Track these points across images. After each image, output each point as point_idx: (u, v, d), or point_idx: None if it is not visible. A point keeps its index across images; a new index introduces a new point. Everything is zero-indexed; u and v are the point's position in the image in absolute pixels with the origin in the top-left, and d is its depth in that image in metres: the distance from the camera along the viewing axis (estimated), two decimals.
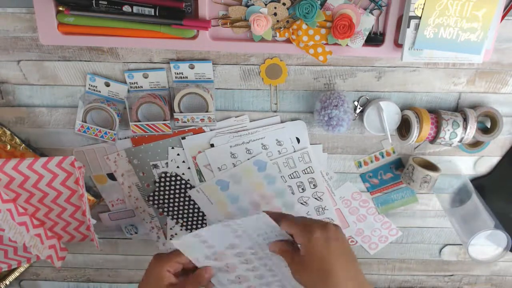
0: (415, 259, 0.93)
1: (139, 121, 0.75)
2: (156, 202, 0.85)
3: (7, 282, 0.89)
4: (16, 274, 0.90)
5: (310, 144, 0.80)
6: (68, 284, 0.96)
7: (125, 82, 0.75)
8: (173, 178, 0.83)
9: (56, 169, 0.70)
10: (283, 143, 0.80)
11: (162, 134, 0.77)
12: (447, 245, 0.91)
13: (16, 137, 0.78)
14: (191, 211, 0.86)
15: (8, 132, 0.78)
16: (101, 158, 0.81)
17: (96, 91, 0.76)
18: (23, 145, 0.78)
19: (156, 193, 0.84)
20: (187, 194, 0.84)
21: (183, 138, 0.79)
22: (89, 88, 0.76)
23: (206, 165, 0.81)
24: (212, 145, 0.79)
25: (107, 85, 0.75)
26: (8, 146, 0.78)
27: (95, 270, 0.95)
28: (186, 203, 0.85)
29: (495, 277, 0.95)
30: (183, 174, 0.82)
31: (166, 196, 0.84)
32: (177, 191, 0.84)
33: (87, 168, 0.81)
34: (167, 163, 0.81)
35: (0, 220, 0.66)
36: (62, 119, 0.78)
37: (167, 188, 0.83)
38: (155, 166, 0.81)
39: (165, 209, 0.85)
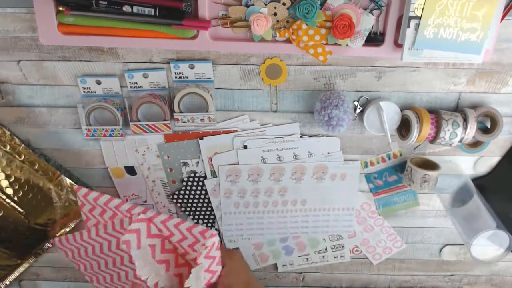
0: (415, 259, 0.93)
1: (139, 121, 0.75)
2: (180, 200, 0.85)
3: (7, 282, 0.89)
4: (16, 274, 0.90)
5: None
6: (68, 284, 0.96)
7: (114, 75, 0.75)
8: (201, 179, 0.83)
9: (199, 236, 0.65)
10: (314, 155, 0.80)
11: (197, 132, 0.79)
12: (447, 245, 0.91)
13: (15, 138, 0.78)
14: (213, 214, 0.86)
15: (7, 133, 0.78)
16: (130, 150, 0.81)
17: (91, 92, 0.76)
18: (23, 145, 0.78)
19: (182, 192, 0.84)
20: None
21: (201, 138, 0.79)
22: (84, 92, 0.76)
23: (224, 165, 0.81)
24: (245, 147, 0.79)
25: (99, 83, 0.75)
26: (8, 147, 0.78)
27: None
28: (211, 204, 0.85)
29: (495, 277, 0.95)
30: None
31: (192, 196, 0.85)
32: (204, 191, 0.84)
33: (112, 159, 0.81)
34: (197, 162, 0.81)
35: (137, 256, 0.62)
36: (62, 119, 0.78)
37: (193, 188, 0.84)
38: (185, 164, 0.81)
39: (188, 209, 0.86)
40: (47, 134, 0.80)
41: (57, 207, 0.83)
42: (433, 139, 0.74)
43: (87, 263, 0.77)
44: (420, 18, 0.64)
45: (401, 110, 0.75)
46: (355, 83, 0.76)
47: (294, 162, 0.81)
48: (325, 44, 0.70)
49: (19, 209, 0.82)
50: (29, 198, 0.82)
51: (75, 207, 0.84)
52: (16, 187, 0.80)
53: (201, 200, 0.85)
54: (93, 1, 0.66)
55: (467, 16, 0.64)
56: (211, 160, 0.81)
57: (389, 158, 0.82)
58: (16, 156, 0.79)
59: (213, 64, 0.74)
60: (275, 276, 0.95)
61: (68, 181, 0.81)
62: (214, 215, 0.86)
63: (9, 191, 0.81)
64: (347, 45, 0.69)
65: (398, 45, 0.69)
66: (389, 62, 0.74)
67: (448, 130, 0.72)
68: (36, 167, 0.80)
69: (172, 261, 0.66)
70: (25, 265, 0.89)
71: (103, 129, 0.75)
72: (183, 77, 0.75)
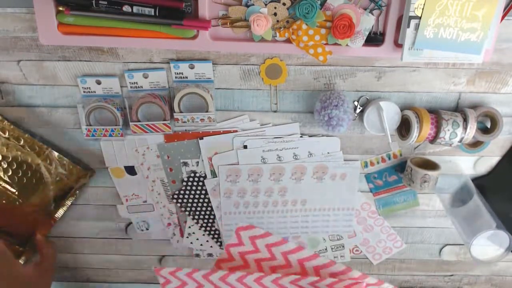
0: (415, 259, 0.93)
1: (139, 121, 0.75)
2: (180, 200, 0.85)
3: None
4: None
5: None
6: (68, 284, 0.96)
7: (114, 75, 0.75)
8: (201, 179, 0.83)
9: None
10: (314, 155, 0.80)
11: (197, 132, 0.78)
12: (447, 245, 0.91)
13: (5, 120, 0.77)
14: (213, 214, 0.86)
15: None
16: (130, 150, 0.80)
17: (91, 91, 0.76)
18: (6, 121, 0.76)
19: (182, 192, 0.84)
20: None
21: (201, 138, 0.79)
22: (84, 92, 0.76)
23: (224, 165, 0.81)
24: (245, 147, 0.79)
25: (99, 83, 0.75)
26: None
27: (95, 270, 0.95)
28: (211, 204, 0.85)
29: (495, 277, 0.95)
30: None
31: (192, 196, 0.85)
32: (204, 191, 0.84)
33: (112, 159, 0.81)
34: (197, 162, 0.81)
35: None
36: (62, 119, 0.78)
37: (193, 188, 0.84)
38: (185, 163, 0.81)
39: (188, 209, 0.86)
40: (47, 134, 0.80)
41: (48, 183, 0.82)
42: (433, 139, 0.74)
43: None
44: (420, 18, 0.64)
45: (401, 110, 0.75)
46: (355, 83, 0.76)
47: (294, 162, 0.81)
48: (325, 44, 0.70)
49: (11, 189, 0.82)
50: (19, 177, 0.81)
51: (67, 181, 0.82)
52: (5, 166, 0.79)
53: (201, 200, 0.85)
54: (93, 1, 0.66)
55: (467, 16, 0.64)
56: (211, 160, 0.81)
57: (389, 158, 0.82)
58: (1, 133, 0.77)
59: (213, 64, 0.74)
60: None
61: (56, 154, 0.79)
62: (214, 215, 0.86)
63: None
64: (347, 45, 0.69)
65: (398, 45, 0.69)
66: (389, 62, 0.74)
67: (448, 130, 0.72)
68: (22, 142, 0.78)
69: None
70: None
71: (103, 129, 0.76)
72: (183, 77, 0.75)
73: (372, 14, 0.68)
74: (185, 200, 0.85)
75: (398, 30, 0.69)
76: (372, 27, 0.69)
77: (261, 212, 0.86)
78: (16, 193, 0.82)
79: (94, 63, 0.74)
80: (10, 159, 0.79)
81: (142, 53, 0.73)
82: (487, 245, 0.78)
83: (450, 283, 0.96)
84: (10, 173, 0.80)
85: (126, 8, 0.67)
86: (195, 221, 0.87)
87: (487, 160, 0.82)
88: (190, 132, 0.79)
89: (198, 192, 0.84)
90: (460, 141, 0.73)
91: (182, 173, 0.83)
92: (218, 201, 0.85)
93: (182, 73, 0.74)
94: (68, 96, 0.77)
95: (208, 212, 0.86)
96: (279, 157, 0.80)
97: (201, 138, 0.79)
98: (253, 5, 0.68)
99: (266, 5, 0.68)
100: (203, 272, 0.64)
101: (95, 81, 0.75)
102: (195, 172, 0.82)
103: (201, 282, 0.65)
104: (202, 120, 0.75)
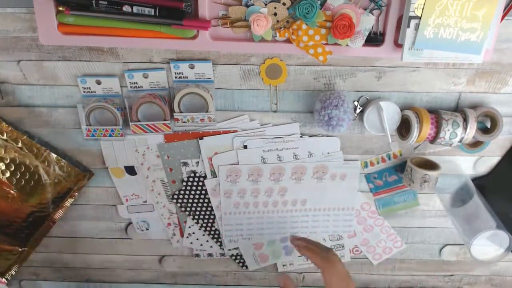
0: (415, 259, 0.93)
1: (139, 121, 0.75)
2: (180, 200, 0.85)
3: (13, 272, 0.87)
4: (13, 272, 0.88)
5: None
6: (68, 284, 0.96)
7: (114, 75, 0.75)
8: (201, 179, 0.83)
9: None
10: (314, 155, 0.80)
11: (197, 132, 0.78)
12: (447, 245, 0.91)
13: (3, 121, 0.76)
14: (213, 214, 0.86)
15: None
16: (130, 150, 0.81)
17: (91, 91, 0.76)
18: (4, 123, 0.76)
19: (182, 192, 0.84)
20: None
21: (201, 138, 0.79)
22: (84, 92, 0.76)
23: (224, 165, 0.81)
24: (245, 147, 0.79)
25: (99, 83, 0.75)
26: None
27: (95, 270, 0.95)
28: (210, 204, 0.85)
29: (495, 277, 0.95)
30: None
31: (192, 196, 0.85)
32: (204, 191, 0.84)
33: (112, 159, 0.81)
34: (197, 162, 0.81)
35: None
36: (62, 119, 0.78)
37: (193, 188, 0.84)
38: (185, 163, 0.82)
39: (188, 209, 0.86)
40: (47, 134, 0.80)
41: (47, 185, 0.82)
42: (433, 139, 0.74)
43: None
44: (420, 18, 0.64)
45: (401, 110, 0.75)
46: (355, 83, 0.76)
47: (294, 162, 0.81)
48: (325, 44, 0.70)
49: (9, 190, 0.82)
50: (18, 178, 0.81)
51: (66, 183, 0.82)
52: (3, 167, 0.80)
53: (201, 200, 0.85)
54: (93, 1, 0.66)
55: (467, 16, 0.64)
56: (211, 160, 0.81)
57: (389, 158, 0.82)
58: None
59: (213, 64, 0.74)
60: (275, 276, 0.94)
61: (55, 156, 0.80)
62: (214, 215, 0.86)
63: None
64: (347, 45, 0.69)
65: (398, 45, 0.69)
66: (389, 62, 0.74)
67: (448, 130, 0.72)
68: (20, 144, 0.78)
69: None
70: (29, 251, 0.87)
71: (103, 129, 0.76)
72: (183, 77, 0.75)
73: (372, 14, 0.68)
74: (185, 200, 0.85)
75: (398, 30, 0.69)
76: (372, 27, 0.69)
77: (261, 212, 0.86)
78: (15, 194, 0.82)
79: (94, 63, 0.74)
80: (8, 160, 0.79)
81: (142, 53, 0.73)
82: (487, 245, 0.78)
83: (450, 283, 0.96)
84: (8, 174, 0.81)
85: (126, 8, 0.67)
86: (195, 221, 0.87)
87: (487, 160, 0.82)
88: (190, 132, 0.79)
89: (198, 192, 0.84)
90: (460, 141, 0.73)
91: (182, 173, 0.83)
92: (218, 201, 0.85)
93: (182, 73, 0.74)
94: (68, 96, 0.77)
95: (208, 212, 0.86)
96: (279, 157, 0.80)
97: (201, 138, 0.79)
98: (253, 5, 0.68)
99: (266, 5, 0.68)
100: None
101: (95, 81, 0.75)
102: (195, 172, 0.82)
103: None
104: (202, 120, 0.75)
